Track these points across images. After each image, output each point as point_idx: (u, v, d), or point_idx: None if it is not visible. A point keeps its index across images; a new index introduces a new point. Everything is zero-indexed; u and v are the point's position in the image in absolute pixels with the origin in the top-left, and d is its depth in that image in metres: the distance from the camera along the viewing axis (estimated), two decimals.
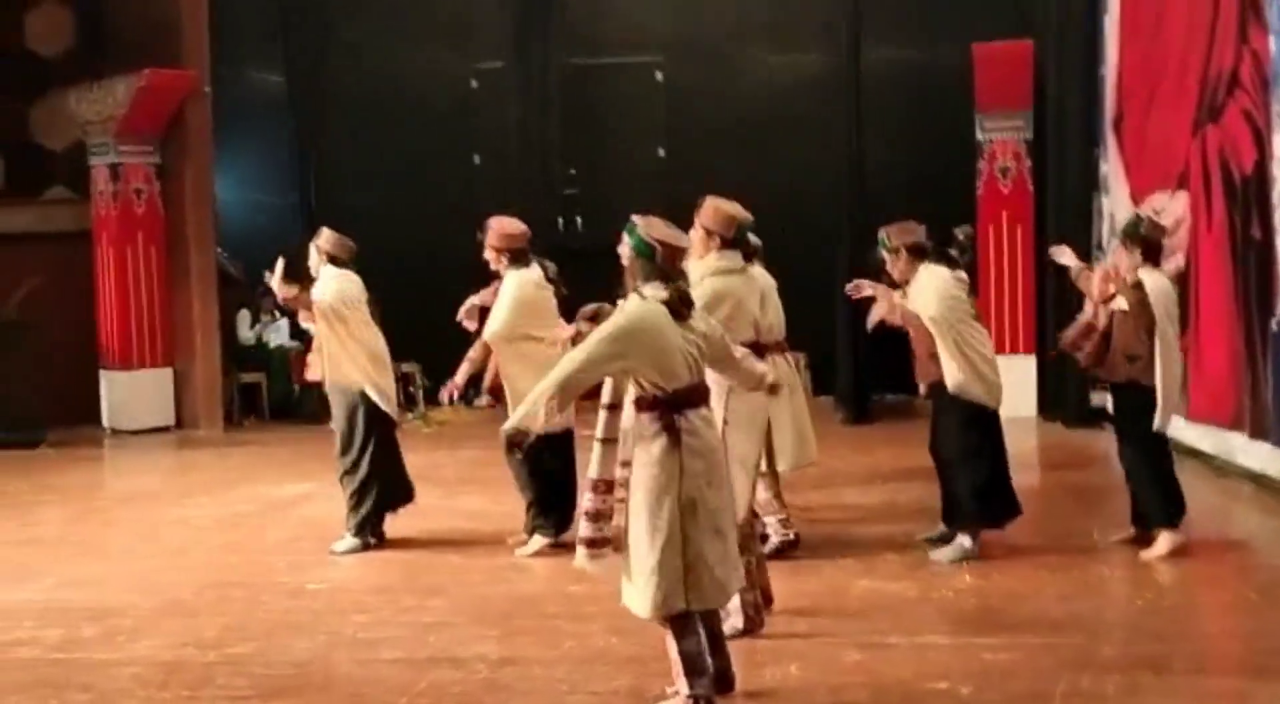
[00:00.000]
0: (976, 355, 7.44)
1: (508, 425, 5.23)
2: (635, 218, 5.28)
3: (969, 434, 7.50)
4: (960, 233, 13.38)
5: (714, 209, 6.37)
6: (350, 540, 8.17)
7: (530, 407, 5.06)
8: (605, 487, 5.14)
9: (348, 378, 8.14)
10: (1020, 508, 7.67)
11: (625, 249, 5.28)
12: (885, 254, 7.58)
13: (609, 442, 5.13)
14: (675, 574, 5.00)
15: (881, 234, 7.66)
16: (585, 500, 5.24)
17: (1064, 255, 8.01)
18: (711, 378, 5.38)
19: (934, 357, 7.46)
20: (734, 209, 6.39)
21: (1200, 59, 10.21)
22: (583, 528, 5.22)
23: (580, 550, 5.22)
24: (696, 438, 5.06)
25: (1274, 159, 8.91)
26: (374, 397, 8.13)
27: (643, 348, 5.03)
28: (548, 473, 7.88)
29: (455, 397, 8.15)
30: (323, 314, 8.08)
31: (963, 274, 7.62)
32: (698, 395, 5.14)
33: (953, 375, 7.39)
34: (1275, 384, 8.90)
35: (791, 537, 7.70)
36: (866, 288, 7.57)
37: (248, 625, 6.65)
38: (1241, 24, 9.48)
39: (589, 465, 5.21)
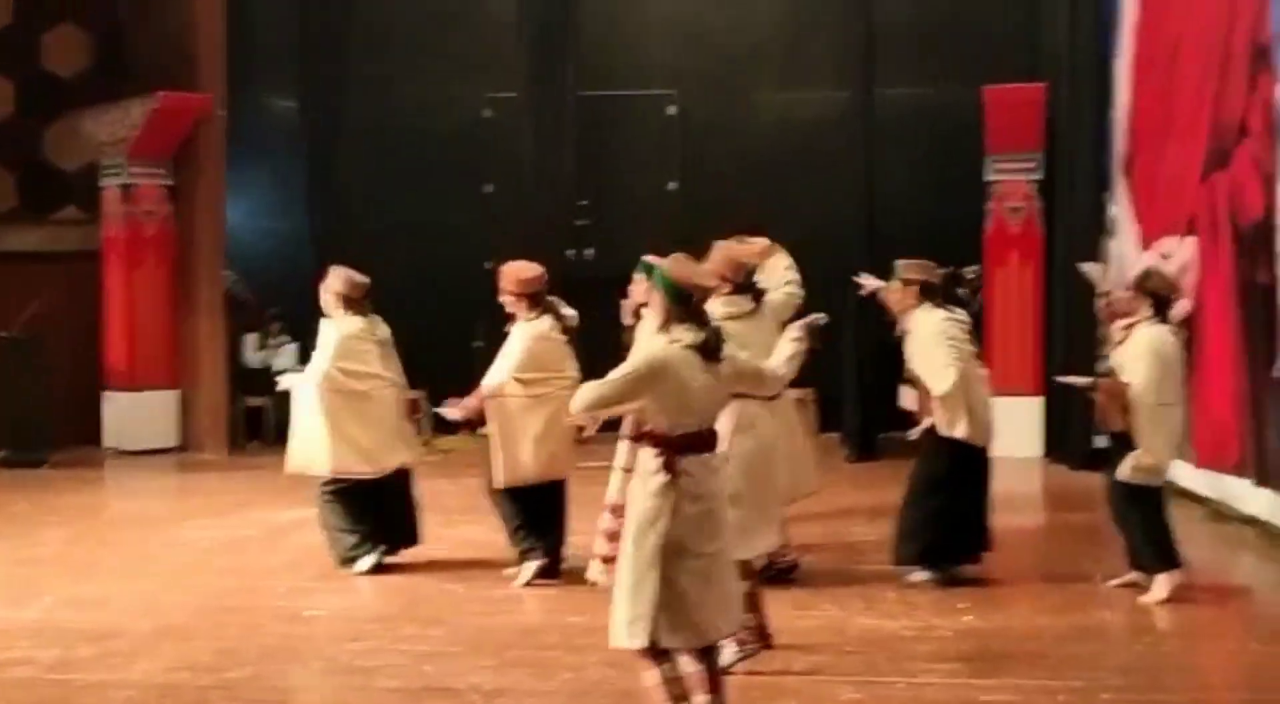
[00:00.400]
0: (972, 400, 7.48)
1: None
2: (650, 259, 5.38)
3: (937, 463, 7.57)
4: (969, 272, 13.38)
5: (723, 254, 6.46)
6: (362, 561, 8.15)
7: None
8: (622, 510, 5.40)
9: (357, 469, 8.14)
10: (986, 546, 7.72)
11: (648, 291, 5.35)
12: (896, 282, 7.66)
13: (630, 471, 5.37)
14: (645, 607, 4.98)
15: (899, 264, 7.75)
16: (603, 521, 5.64)
17: (1096, 271, 8.19)
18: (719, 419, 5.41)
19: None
20: (743, 254, 6.47)
21: (1210, 105, 10.22)
22: (599, 546, 5.72)
23: (596, 564, 5.77)
24: (694, 481, 5.04)
25: None
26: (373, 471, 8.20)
27: (657, 391, 5.05)
28: (533, 498, 7.86)
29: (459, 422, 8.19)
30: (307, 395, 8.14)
31: (963, 315, 7.70)
32: (702, 442, 5.12)
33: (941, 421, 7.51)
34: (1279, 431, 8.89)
35: (788, 561, 7.77)
36: (871, 282, 8.05)
37: (244, 650, 6.63)
38: (1252, 72, 9.50)
39: (607, 492, 5.61)
